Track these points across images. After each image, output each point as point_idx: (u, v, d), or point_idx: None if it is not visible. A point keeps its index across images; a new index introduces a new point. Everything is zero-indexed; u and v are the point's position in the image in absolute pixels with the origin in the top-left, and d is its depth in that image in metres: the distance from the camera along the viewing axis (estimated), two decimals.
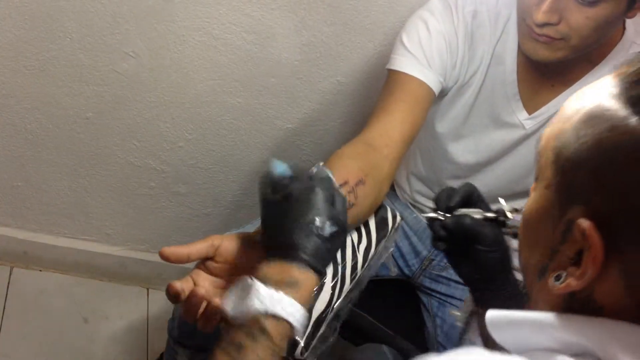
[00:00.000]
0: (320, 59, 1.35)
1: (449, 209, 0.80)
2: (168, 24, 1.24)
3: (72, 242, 1.60)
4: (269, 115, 1.42)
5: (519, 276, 0.81)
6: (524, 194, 1.17)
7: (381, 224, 0.95)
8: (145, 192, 1.52)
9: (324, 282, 0.85)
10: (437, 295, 1.28)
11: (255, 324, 0.64)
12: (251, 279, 0.67)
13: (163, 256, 0.73)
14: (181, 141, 1.44)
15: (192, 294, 0.71)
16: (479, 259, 0.79)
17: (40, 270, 1.62)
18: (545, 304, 0.53)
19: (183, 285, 0.72)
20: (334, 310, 0.87)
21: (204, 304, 0.72)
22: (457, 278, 1.18)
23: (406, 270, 1.32)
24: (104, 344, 1.54)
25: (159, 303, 1.66)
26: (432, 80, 1.07)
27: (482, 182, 1.10)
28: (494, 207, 0.82)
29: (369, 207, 0.90)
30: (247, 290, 0.66)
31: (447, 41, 1.08)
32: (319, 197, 0.71)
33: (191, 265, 0.79)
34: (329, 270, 0.86)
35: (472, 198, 0.82)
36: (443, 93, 1.13)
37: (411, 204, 1.34)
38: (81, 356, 1.50)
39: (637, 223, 0.46)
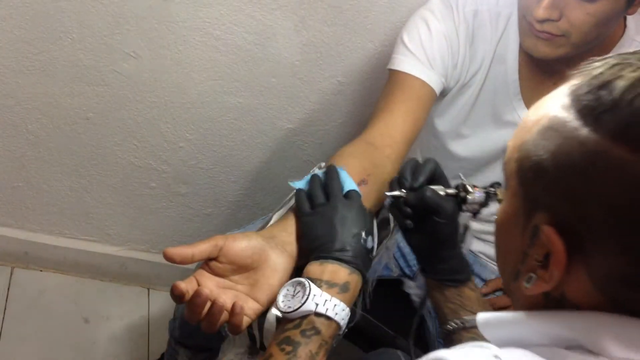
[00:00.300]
0: (321, 59, 1.35)
1: (412, 188, 0.82)
2: (169, 24, 1.24)
3: (72, 242, 1.60)
4: (270, 115, 1.43)
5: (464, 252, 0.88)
6: None
7: (383, 224, 0.95)
8: (145, 193, 1.52)
9: None
10: None
11: (309, 324, 0.71)
12: (307, 280, 0.73)
13: (167, 256, 0.73)
14: (182, 141, 1.44)
15: (197, 294, 0.71)
16: (433, 231, 0.83)
17: (41, 271, 1.62)
18: (523, 305, 0.56)
19: (187, 286, 0.72)
20: None
21: (208, 304, 0.72)
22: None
23: (407, 271, 1.32)
24: (105, 344, 1.54)
25: (160, 303, 1.66)
26: (434, 80, 1.07)
27: (484, 181, 1.10)
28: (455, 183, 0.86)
29: (371, 207, 0.90)
30: (301, 290, 0.73)
31: (448, 41, 1.08)
32: (363, 215, 0.80)
33: (192, 265, 0.79)
34: None
35: (435, 175, 0.84)
36: (444, 93, 1.13)
37: None
38: (82, 356, 1.50)
39: (594, 227, 0.48)
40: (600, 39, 1.01)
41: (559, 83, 1.21)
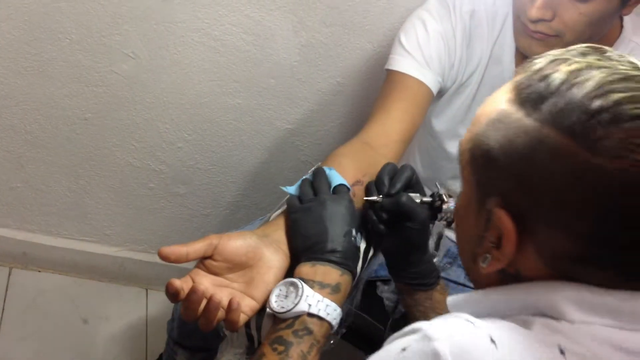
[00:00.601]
0: (319, 59, 1.35)
1: (389, 194, 0.84)
2: (167, 25, 1.24)
3: (71, 243, 1.60)
4: (268, 116, 1.43)
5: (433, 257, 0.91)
6: None
7: None
8: (144, 193, 1.53)
9: None
10: None
11: (302, 324, 0.72)
12: (300, 281, 0.74)
13: (162, 255, 0.74)
14: (180, 142, 1.44)
15: (193, 291, 0.72)
16: (405, 236, 0.85)
17: (39, 271, 1.62)
18: (483, 284, 0.62)
19: (182, 284, 0.72)
20: None
21: (204, 302, 0.72)
22: (456, 279, 1.19)
23: (384, 273, 1.32)
24: (103, 345, 1.54)
25: (158, 303, 1.66)
26: (431, 80, 1.07)
27: None
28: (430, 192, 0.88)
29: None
30: (294, 291, 0.73)
31: (445, 41, 1.08)
32: (352, 210, 0.81)
33: (190, 266, 0.79)
34: None
35: (411, 182, 0.86)
36: (441, 92, 1.14)
37: None
38: (80, 357, 1.50)
39: (539, 208, 0.54)
40: (594, 39, 1.01)
41: None
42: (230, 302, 0.72)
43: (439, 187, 0.86)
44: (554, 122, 0.52)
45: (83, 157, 1.44)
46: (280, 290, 0.75)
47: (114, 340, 1.55)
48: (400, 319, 1.12)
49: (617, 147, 0.50)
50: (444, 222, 0.85)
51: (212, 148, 1.46)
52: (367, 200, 0.85)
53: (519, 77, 0.57)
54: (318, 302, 0.73)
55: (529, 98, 0.55)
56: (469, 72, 1.12)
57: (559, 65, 0.55)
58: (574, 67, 0.54)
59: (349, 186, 0.84)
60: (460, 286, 1.19)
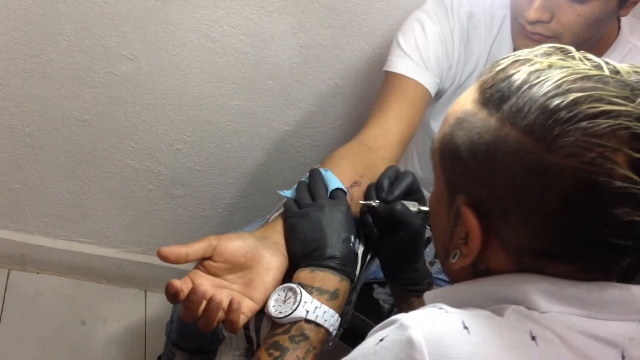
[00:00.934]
0: (318, 61, 1.35)
1: (385, 200, 0.84)
2: (166, 26, 1.25)
3: (69, 245, 1.60)
4: (267, 118, 1.43)
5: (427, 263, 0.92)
6: None
7: None
8: (142, 195, 1.53)
9: None
10: None
11: (298, 330, 0.72)
12: (298, 286, 0.74)
13: (161, 256, 0.74)
14: (179, 143, 1.44)
15: (193, 291, 0.72)
16: (398, 244, 0.85)
17: (38, 273, 1.62)
18: (457, 279, 0.64)
19: (182, 285, 0.72)
20: None
21: (204, 303, 0.72)
22: None
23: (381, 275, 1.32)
24: (102, 347, 1.53)
25: (157, 305, 1.66)
26: (429, 82, 1.07)
27: None
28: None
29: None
30: (292, 296, 0.73)
31: (443, 42, 1.08)
32: (350, 215, 0.81)
33: (189, 268, 0.79)
34: None
35: (411, 189, 0.86)
36: (439, 94, 1.14)
37: None
38: (78, 358, 1.49)
39: (501, 205, 0.56)
40: (592, 40, 1.01)
41: None
42: (230, 303, 0.73)
43: None
44: (514, 121, 0.54)
45: (81, 159, 1.44)
46: (278, 295, 0.75)
47: (113, 342, 1.55)
48: None
49: (573, 145, 0.51)
50: None
51: (211, 149, 1.46)
52: (363, 204, 0.85)
53: (484, 77, 0.59)
54: (316, 309, 0.73)
55: (492, 98, 0.56)
56: (466, 73, 1.12)
57: (522, 66, 0.56)
58: (535, 67, 0.55)
59: (346, 190, 0.84)
60: None
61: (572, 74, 0.53)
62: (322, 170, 0.86)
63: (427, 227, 0.87)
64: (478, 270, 0.60)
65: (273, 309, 0.74)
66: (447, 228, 0.62)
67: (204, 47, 1.28)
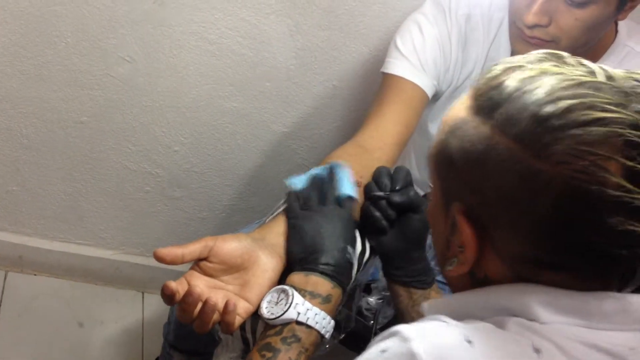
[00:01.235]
0: (315, 63, 1.35)
1: (394, 190, 0.85)
2: (164, 28, 1.25)
3: (67, 246, 1.60)
4: (264, 119, 1.43)
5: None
6: None
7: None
8: (140, 196, 1.53)
9: None
10: None
11: (290, 332, 0.72)
12: (291, 288, 0.74)
13: (157, 257, 0.73)
14: (176, 145, 1.44)
15: (189, 293, 0.72)
16: (406, 230, 0.86)
17: (35, 275, 1.62)
18: (457, 287, 0.63)
19: (178, 286, 0.72)
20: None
21: (199, 305, 0.72)
22: None
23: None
24: (99, 348, 1.53)
25: (154, 307, 1.66)
26: (426, 84, 1.07)
27: None
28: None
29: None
30: (284, 298, 0.73)
31: (440, 44, 1.09)
32: (352, 226, 0.82)
33: (186, 269, 0.79)
34: None
35: (409, 180, 0.87)
36: (437, 96, 1.14)
37: None
38: None
39: (493, 213, 0.55)
40: (590, 44, 1.01)
41: None
42: (226, 304, 0.72)
43: (432, 186, 0.87)
44: (504, 129, 0.53)
45: (79, 161, 1.44)
46: (271, 296, 0.75)
47: (110, 344, 1.55)
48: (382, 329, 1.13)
49: (563, 153, 0.51)
50: None
51: (208, 151, 1.46)
52: (373, 196, 0.85)
53: (477, 84, 0.59)
54: (307, 311, 0.72)
55: (484, 105, 0.56)
56: (464, 75, 1.12)
57: (513, 73, 0.56)
58: (527, 74, 0.55)
59: (355, 197, 0.83)
60: None
61: (563, 80, 0.53)
62: (338, 170, 0.84)
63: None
64: (476, 278, 0.60)
65: (265, 310, 0.74)
66: (444, 236, 0.62)
67: (201, 49, 1.29)
